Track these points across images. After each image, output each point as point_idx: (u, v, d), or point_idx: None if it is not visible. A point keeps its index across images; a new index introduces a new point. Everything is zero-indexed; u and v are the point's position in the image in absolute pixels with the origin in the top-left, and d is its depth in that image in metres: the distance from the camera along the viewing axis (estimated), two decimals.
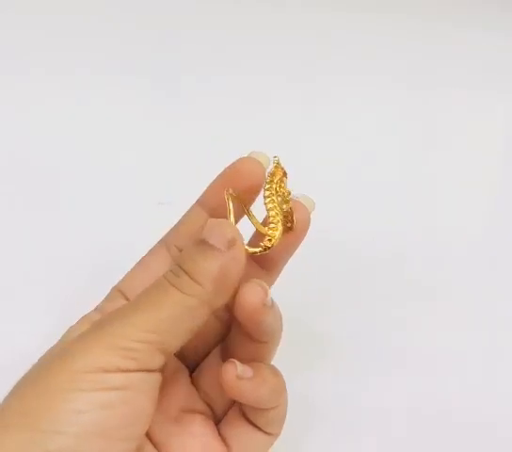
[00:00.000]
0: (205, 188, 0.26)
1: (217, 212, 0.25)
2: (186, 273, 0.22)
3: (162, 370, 0.23)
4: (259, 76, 0.48)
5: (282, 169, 0.25)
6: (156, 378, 0.22)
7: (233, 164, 0.25)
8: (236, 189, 0.25)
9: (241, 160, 0.25)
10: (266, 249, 0.24)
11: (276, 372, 0.26)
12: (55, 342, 0.25)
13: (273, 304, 0.24)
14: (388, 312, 0.37)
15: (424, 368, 0.35)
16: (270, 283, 0.27)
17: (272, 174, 0.25)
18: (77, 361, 0.21)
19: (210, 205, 0.26)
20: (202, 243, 0.22)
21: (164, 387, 0.25)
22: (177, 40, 0.49)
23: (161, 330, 0.22)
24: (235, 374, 0.24)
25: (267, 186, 0.24)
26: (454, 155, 0.46)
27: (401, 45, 0.50)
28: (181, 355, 0.27)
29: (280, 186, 0.25)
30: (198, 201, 0.26)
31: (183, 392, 0.26)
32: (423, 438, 0.33)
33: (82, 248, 0.38)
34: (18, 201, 0.40)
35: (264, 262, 0.26)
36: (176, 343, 0.22)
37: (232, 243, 0.22)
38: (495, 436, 0.33)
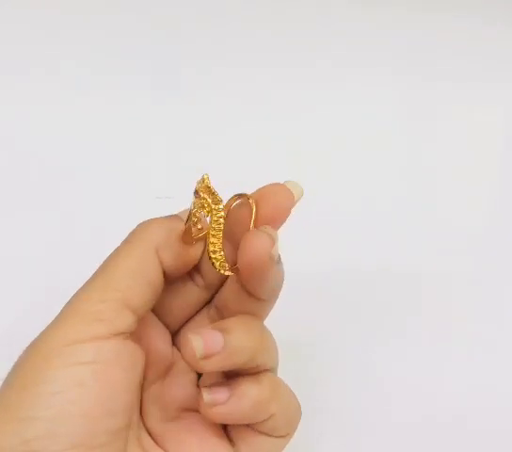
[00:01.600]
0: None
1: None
2: (139, 226, 0.24)
3: (138, 341, 0.23)
4: (258, 69, 0.48)
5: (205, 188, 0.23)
6: (130, 348, 0.22)
7: (262, 190, 0.24)
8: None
9: (271, 186, 0.24)
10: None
11: (260, 381, 0.24)
12: None
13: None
14: (388, 310, 0.37)
15: (426, 366, 0.35)
16: (266, 312, 0.26)
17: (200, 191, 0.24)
18: (49, 337, 0.21)
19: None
20: (169, 215, 0.25)
21: (167, 386, 0.26)
22: (176, 33, 0.50)
23: (120, 286, 0.22)
24: (205, 403, 0.23)
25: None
26: (453, 149, 0.45)
27: (400, 37, 0.50)
28: None
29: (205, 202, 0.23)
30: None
31: (187, 392, 0.26)
32: (423, 436, 0.32)
33: (79, 242, 0.38)
34: (15, 196, 0.41)
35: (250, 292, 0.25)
36: (139, 297, 0.22)
37: (190, 217, 0.24)
38: (495, 435, 0.33)
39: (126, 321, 0.22)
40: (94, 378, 0.20)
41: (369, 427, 0.33)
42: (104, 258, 0.24)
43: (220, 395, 0.23)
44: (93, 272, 0.23)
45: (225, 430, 0.26)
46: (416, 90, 0.48)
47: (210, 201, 0.23)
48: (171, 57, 0.48)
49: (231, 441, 0.25)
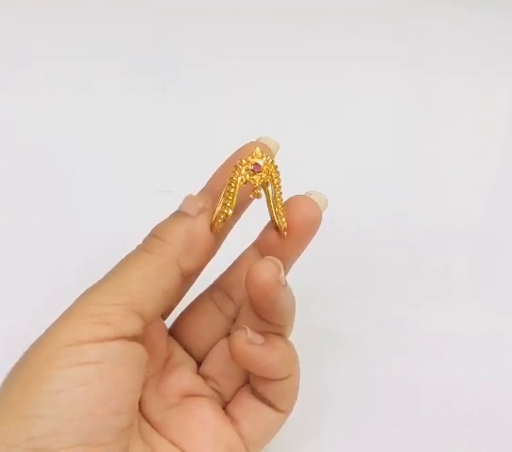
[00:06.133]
0: (212, 174, 0.25)
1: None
2: (157, 237, 0.23)
3: (143, 341, 0.22)
4: (257, 63, 0.48)
5: (263, 161, 0.23)
6: (135, 348, 0.22)
7: (241, 148, 0.25)
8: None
9: (249, 145, 0.25)
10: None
11: (288, 342, 0.26)
12: None
13: (287, 284, 0.24)
14: (389, 301, 0.37)
15: (427, 354, 0.35)
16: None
17: (240, 163, 0.23)
18: (55, 336, 0.21)
19: (217, 191, 0.25)
20: (177, 213, 0.24)
21: (166, 376, 0.26)
22: (175, 28, 0.49)
23: (132, 291, 0.22)
24: (245, 338, 0.24)
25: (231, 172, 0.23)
26: (454, 139, 0.45)
27: (400, 29, 0.50)
28: (188, 350, 0.27)
29: (238, 174, 0.23)
30: (206, 190, 0.25)
31: (186, 380, 0.26)
32: (423, 431, 0.33)
33: (80, 237, 0.38)
34: (15, 193, 0.41)
35: None
36: (150, 304, 0.22)
37: (201, 210, 0.24)
38: (495, 432, 0.33)
39: (134, 326, 0.22)
40: (99, 377, 0.20)
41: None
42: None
43: (257, 338, 0.24)
44: (104, 273, 0.23)
45: (226, 410, 0.26)
46: (416, 82, 0.48)
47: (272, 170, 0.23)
48: (171, 49, 0.48)
49: (232, 420, 0.26)
